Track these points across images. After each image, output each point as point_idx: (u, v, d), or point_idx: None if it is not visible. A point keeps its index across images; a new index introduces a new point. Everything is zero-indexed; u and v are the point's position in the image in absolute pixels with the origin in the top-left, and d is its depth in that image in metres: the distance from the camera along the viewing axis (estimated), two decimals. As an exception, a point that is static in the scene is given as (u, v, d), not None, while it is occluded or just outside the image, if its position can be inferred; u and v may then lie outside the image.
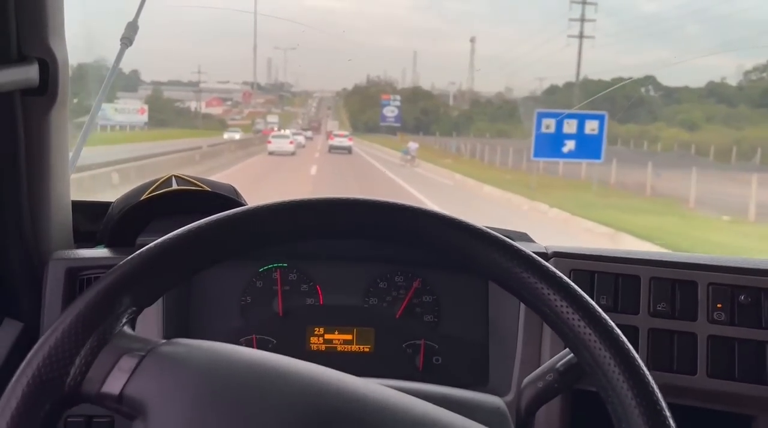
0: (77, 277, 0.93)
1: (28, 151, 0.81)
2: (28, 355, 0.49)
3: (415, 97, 49.35)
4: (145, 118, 34.60)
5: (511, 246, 0.58)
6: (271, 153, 25.91)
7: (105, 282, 0.52)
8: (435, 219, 0.59)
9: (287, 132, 33.79)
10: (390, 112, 43.18)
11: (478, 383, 1.05)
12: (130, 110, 33.20)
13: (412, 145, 23.73)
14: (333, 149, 31.27)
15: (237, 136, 38.51)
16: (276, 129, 42.78)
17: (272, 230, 0.58)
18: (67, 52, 0.83)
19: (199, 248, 0.56)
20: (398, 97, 44.40)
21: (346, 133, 39.00)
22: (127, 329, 0.53)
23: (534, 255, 0.58)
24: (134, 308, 0.53)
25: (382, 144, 34.63)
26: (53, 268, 0.90)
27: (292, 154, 26.15)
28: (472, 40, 57.73)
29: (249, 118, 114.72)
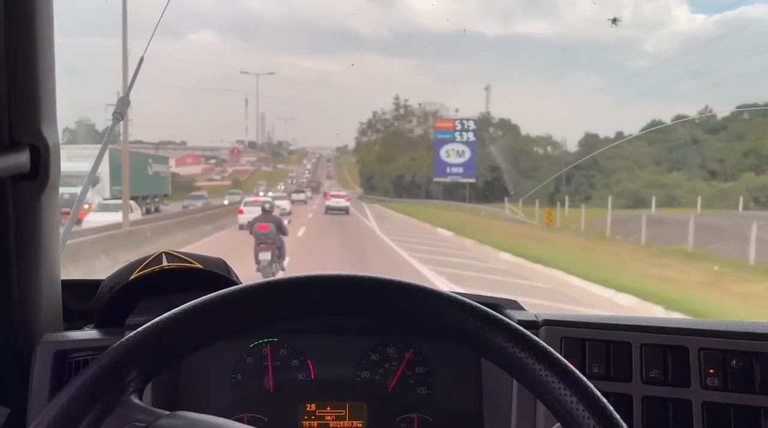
0: (66, 360, 0.91)
1: (19, 234, 0.82)
2: (36, 420, 0.51)
3: (485, 133, 28.97)
4: None
5: (490, 315, 0.57)
6: (242, 226, 18.70)
7: (116, 351, 0.53)
8: (410, 291, 0.58)
9: (267, 196, 24.57)
10: (454, 155, 22.96)
11: None
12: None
13: None
14: (330, 210, 29.66)
15: (200, 203, 31.10)
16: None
17: (276, 307, 0.58)
18: (58, 137, 0.84)
19: (210, 322, 0.56)
20: (471, 124, 23.43)
21: (343, 193, 37.40)
22: (133, 398, 0.54)
23: (515, 324, 0.58)
24: (143, 377, 0.55)
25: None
26: (42, 352, 0.89)
27: None
28: (487, 88, 50.35)
29: (232, 178, 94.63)
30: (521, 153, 26.59)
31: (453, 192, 24.22)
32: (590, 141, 28.17)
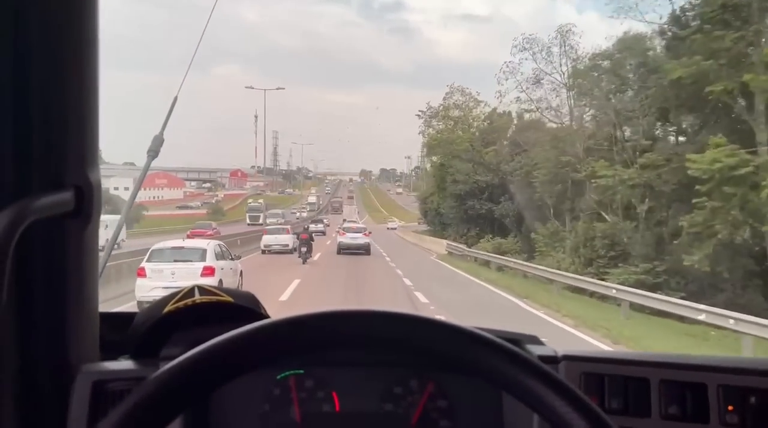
0: (103, 390, 0.95)
1: (61, 270, 0.88)
2: None
3: None
4: None
5: (510, 350, 0.59)
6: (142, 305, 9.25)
7: (153, 384, 0.56)
8: (431, 326, 0.60)
9: (203, 243, 13.39)
10: None
11: None
12: None
13: None
14: (344, 249, 24.88)
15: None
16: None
17: (305, 341, 0.61)
18: (100, 177, 0.90)
19: (241, 355, 0.59)
20: None
21: (360, 225, 30.24)
22: None
23: (535, 359, 0.59)
24: (178, 408, 0.57)
25: None
26: (80, 382, 0.93)
27: None
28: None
29: (213, 206, 66.76)
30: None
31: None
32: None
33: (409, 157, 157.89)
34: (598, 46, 28.00)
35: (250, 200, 69.97)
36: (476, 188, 30.37)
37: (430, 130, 37.06)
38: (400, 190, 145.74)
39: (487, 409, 1.06)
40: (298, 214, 70.27)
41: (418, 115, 37.61)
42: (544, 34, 28.63)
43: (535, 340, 1.11)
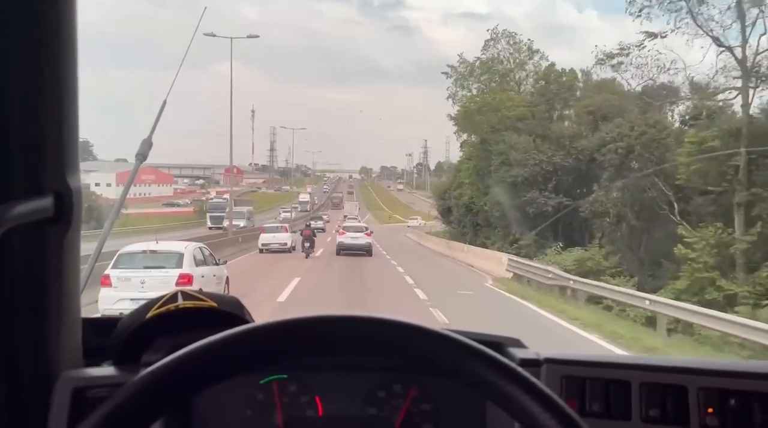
0: (84, 397, 0.94)
1: (42, 276, 0.88)
2: None
3: None
4: None
5: (488, 355, 0.59)
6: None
7: (130, 389, 0.57)
8: (410, 330, 0.60)
9: (179, 246, 11.43)
10: None
11: None
12: None
13: None
14: (344, 250, 23.31)
15: None
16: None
17: (271, 348, 0.61)
18: (80, 182, 0.89)
19: (221, 360, 0.59)
20: None
21: (361, 223, 28.28)
22: None
23: (512, 364, 0.59)
24: (157, 413, 0.57)
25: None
26: (61, 388, 0.93)
27: None
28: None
29: (200, 204, 60.67)
30: None
31: None
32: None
33: (410, 155, 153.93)
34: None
35: (212, 197, 54.62)
36: (538, 173, 20.28)
37: (464, 92, 26.55)
38: (401, 186, 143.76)
39: (471, 413, 1.06)
40: (283, 215, 55.33)
41: (446, 74, 27.31)
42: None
43: (518, 344, 1.10)
